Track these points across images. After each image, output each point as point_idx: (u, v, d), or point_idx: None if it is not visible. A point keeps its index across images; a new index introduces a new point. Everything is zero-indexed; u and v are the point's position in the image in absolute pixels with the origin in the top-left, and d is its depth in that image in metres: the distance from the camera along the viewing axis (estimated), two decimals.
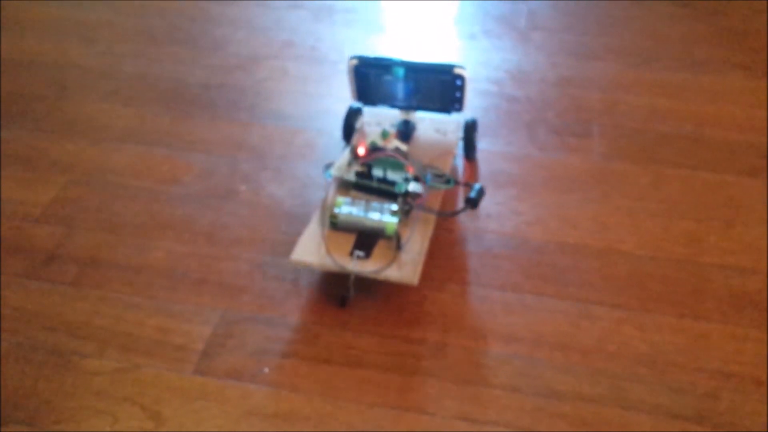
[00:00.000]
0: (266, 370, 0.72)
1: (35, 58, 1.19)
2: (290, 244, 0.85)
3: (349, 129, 0.96)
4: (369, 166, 0.83)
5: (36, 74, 1.15)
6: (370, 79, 0.90)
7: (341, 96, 1.10)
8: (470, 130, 0.95)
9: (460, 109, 0.90)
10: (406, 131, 0.92)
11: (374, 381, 0.71)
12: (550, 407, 0.69)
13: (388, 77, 0.89)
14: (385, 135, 0.88)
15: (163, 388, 0.71)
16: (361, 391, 0.70)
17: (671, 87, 1.11)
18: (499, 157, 0.99)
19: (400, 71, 0.88)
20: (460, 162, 0.97)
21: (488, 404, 0.69)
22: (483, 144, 1.00)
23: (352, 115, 0.96)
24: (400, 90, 0.90)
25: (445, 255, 0.85)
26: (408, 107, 0.92)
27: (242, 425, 0.68)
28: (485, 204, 0.90)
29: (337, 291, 0.79)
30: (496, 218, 0.89)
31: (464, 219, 0.89)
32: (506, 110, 1.07)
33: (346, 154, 0.87)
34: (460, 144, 0.95)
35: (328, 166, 0.86)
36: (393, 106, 0.93)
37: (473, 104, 1.08)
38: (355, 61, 0.89)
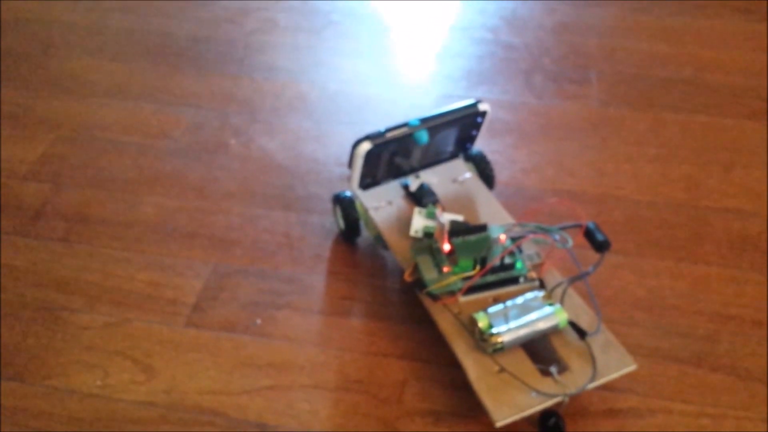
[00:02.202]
0: (259, 321, 0.71)
1: (19, 15, 1.16)
2: (282, 197, 0.84)
3: (353, 224, 0.76)
4: (480, 261, 0.65)
5: (21, 31, 1.13)
6: (382, 157, 0.72)
7: (333, 48, 1.08)
8: (482, 164, 0.79)
9: (470, 147, 0.77)
10: (433, 198, 0.74)
11: (367, 330, 0.70)
12: None
13: (406, 148, 0.72)
14: (431, 214, 0.71)
15: (155, 341, 0.70)
16: (354, 340, 0.70)
17: (671, 31, 1.09)
18: (494, 105, 0.96)
19: (424, 136, 0.70)
20: None
21: None
22: (479, 92, 0.98)
23: (350, 207, 0.76)
24: (417, 154, 0.74)
25: None
26: (412, 171, 0.76)
27: (235, 376, 0.67)
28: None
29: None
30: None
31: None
32: (502, 58, 1.05)
33: (419, 258, 0.67)
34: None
35: (421, 284, 0.66)
36: (399, 176, 0.76)
37: (467, 52, 1.06)
38: (368, 145, 0.68)
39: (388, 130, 0.69)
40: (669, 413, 0.64)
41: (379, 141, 0.69)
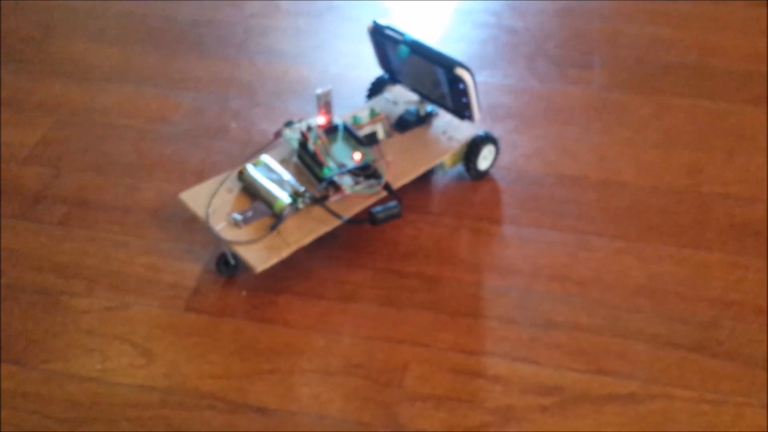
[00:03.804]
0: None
1: None
2: None
3: (370, 97, 0.88)
4: (306, 139, 0.76)
5: (21, 15, 1.12)
6: (386, 49, 0.81)
7: (334, 31, 1.07)
8: (475, 147, 0.80)
9: (470, 117, 0.78)
10: (407, 121, 0.81)
11: (368, 315, 0.70)
12: (547, 337, 0.68)
13: (395, 53, 0.79)
14: (372, 114, 0.81)
15: (154, 325, 0.70)
16: (355, 325, 0.69)
17: (674, 16, 1.08)
18: (497, 89, 0.96)
19: (404, 50, 0.76)
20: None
21: (484, 335, 0.68)
22: (481, 77, 0.97)
23: (378, 84, 0.87)
24: (408, 71, 0.80)
25: (440, 188, 0.83)
26: (421, 95, 0.82)
27: (235, 360, 0.67)
28: None
29: None
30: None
31: None
32: (505, 42, 1.04)
33: (315, 119, 0.80)
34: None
35: (289, 124, 0.79)
36: (412, 89, 0.83)
37: (470, 36, 1.05)
38: (371, 26, 0.80)
39: (390, 27, 0.78)
40: (669, 399, 0.64)
41: (378, 29, 0.79)
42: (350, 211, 0.73)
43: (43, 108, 0.95)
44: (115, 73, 1.00)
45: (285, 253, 0.69)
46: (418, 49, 0.76)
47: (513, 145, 0.87)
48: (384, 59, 0.83)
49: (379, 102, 0.85)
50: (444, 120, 0.83)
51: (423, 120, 0.82)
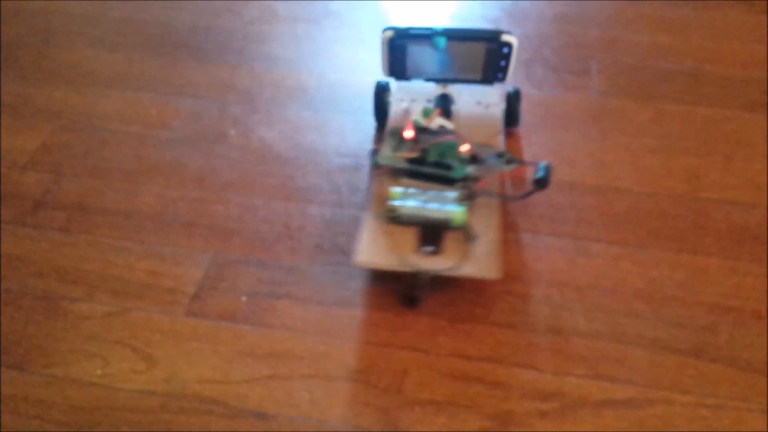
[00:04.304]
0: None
1: (20, 5, 1.16)
2: (281, 187, 0.84)
3: (381, 107, 0.88)
4: (424, 150, 0.76)
5: (21, 21, 1.12)
6: (407, 51, 0.80)
7: (332, 37, 1.08)
8: (513, 100, 0.87)
9: (503, 78, 0.81)
10: (446, 106, 0.84)
11: (367, 320, 0.70)
12: (546, 343, 0.68)
13: (427, 49, 0.79)
14: (427, 113, 0.81)
15: (155, 330, 0.70)
16: (354, 330, 0.70)
17: (671, 23, 1.09)
18: None
19: (442, 42, 0.77)
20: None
21: (483, 341, 0.68)
22: None
23: (382, 92, 0.88)
24: (439, 61, 0.81)
25: None
26: (446, 79, 0.83)
27: (235, 365, 0.67)
28: None
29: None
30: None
31: None
32: None
33: (388, 138, 0.80)
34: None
35: (374, 152, 0.78)
36: (429, 79, 0.83)
37: None
38: (390, 33, 0.78)
39: (412, 28, 0.78)
40: (668, 404, 0.64)
41: (401, 33, 0.78)
42: (506, 191, 0.78)
43: (43, 114, 0.95)
44: (114, 79, 1.01)
45: (499, 247, 0.71)
46: (454, 35, 0.78)
47: (510, 151, 0.88)
48: (399, 62, 0.81)
49: (401, 107, 0.86)
50: (467, 93, 0.86)
51: (453, 101, 0.85)
